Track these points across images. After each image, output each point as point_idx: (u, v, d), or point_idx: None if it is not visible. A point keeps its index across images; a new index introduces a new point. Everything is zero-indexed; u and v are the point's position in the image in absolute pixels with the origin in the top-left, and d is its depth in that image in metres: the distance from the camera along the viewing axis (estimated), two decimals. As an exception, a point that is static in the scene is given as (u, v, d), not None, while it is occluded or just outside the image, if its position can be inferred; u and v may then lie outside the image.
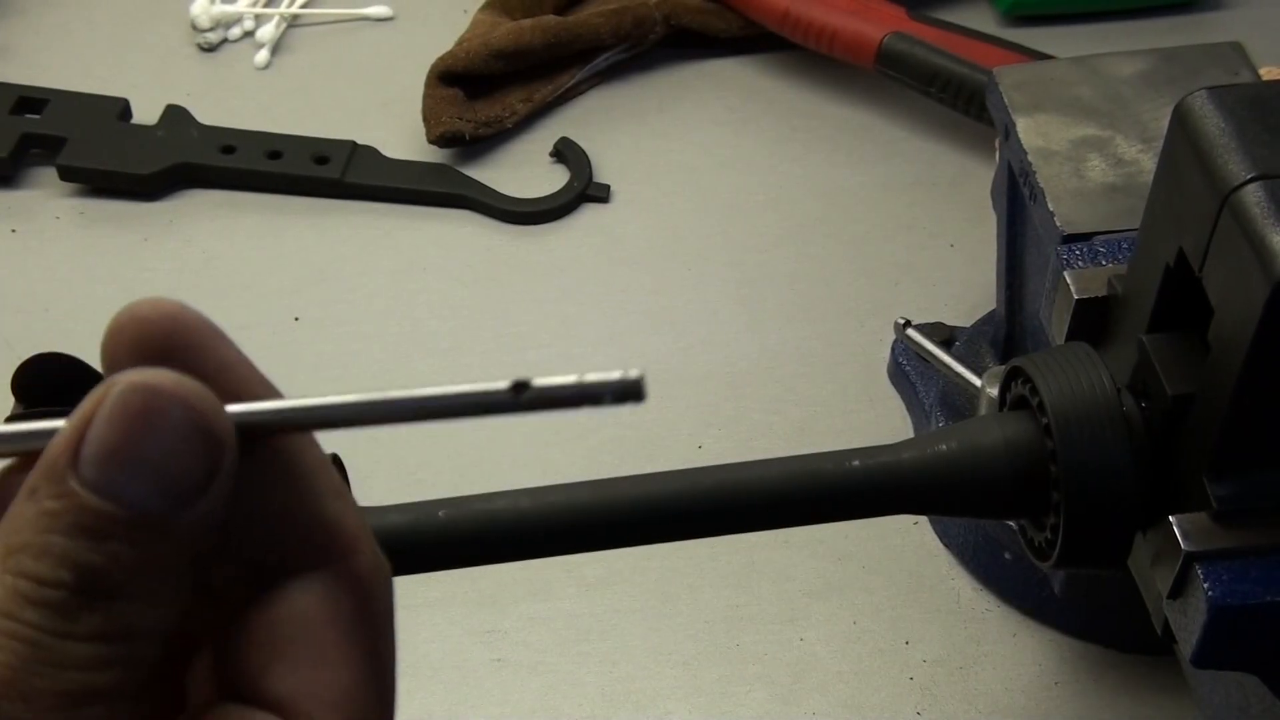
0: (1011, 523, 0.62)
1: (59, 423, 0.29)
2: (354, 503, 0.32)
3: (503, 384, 0.30)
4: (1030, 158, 0.62)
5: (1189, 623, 0.48)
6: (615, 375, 0.30)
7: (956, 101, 0.88)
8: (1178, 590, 0.48)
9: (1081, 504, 0.49)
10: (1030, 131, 0.63)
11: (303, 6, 1.00)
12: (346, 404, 0.31)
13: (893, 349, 0.78)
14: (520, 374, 0.30)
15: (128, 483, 0.28)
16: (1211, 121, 0.46)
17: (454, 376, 0.81)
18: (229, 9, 0.99)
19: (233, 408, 0.30)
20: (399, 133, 0.92)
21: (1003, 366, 0.66)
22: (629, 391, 0.30)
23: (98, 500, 0.27)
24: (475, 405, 0.30)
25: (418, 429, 0.80)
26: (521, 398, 0.30)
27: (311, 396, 0.31)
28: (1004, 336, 0.72)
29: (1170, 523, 0.48)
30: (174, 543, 0.28)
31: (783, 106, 0.94)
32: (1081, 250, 0.57)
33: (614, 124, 0.93)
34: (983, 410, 0.67)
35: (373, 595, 0.31)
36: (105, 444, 0.28)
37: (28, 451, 0.30)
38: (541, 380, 0.30)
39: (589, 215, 0.89)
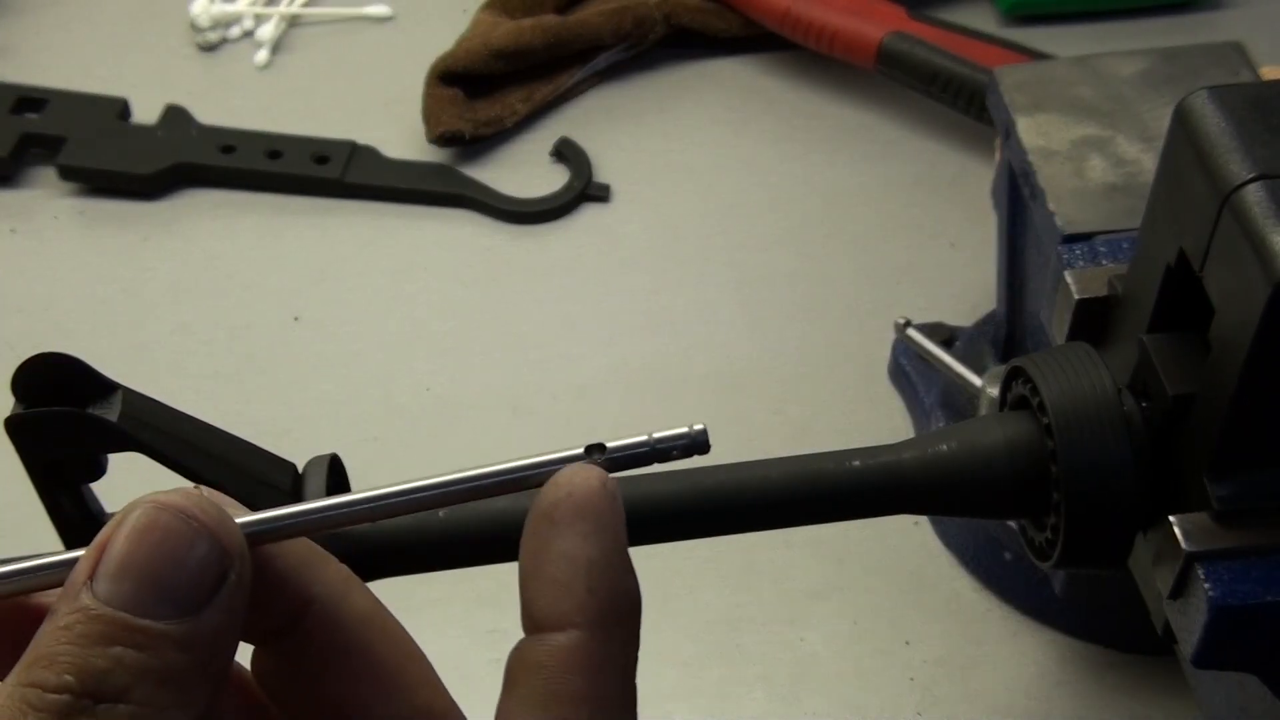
0: (1012, 523, 0.62)
1: (79, 553, 0.30)
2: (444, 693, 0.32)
3: (578, 450, 0.32)
4: (1031, 157, 0.62)
5: (1189, 623, 0.48)
6: (682, 430, 0.33)
7: (956, 101, 0.88)
8: (1178, 590, 0.48)
9: (1082, 504, 0.49)
10: (1031, 131, 0.63)
11: (303, 6, 1.00)
12: (393, 494, 0.32)
13: (893, 349, 0.78)
14: (593, 439, 0.32)
15: (135, 592, 0.29)
16: (1212, 121, 0.46)
17: (455, 376, 0.82)
18: (229, 9, 0.99)
19: (246, 518, 0.31)
20: (399, 133, 0.92)
21: (1003, 366, 0.66)
22: (696, 445, 0.33)
23: (105, 609, 0.29)
24: (549, 472, 0.32)
25: (426, 428, 0.80)
26: (598, 460, 0.32)
27: (374, 488, 0.32)
28: (1004, 336, 0.72)
29: (1171, 523, 0.48)
30: (183, 649, 0.29)
31: (783, 106, 0.94)
32: (1082, 250, 0.57)
33: (614, 124, 0.93)
34: (983, 410, 0.67)
35: None
36: (117, 560, 0.29)
37: (55, 583, 0.31)
38: (616, 443, 0.32)
39: (589, 215, 0.89)
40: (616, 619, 0.31)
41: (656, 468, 0.52)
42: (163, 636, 0.29)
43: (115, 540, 0.29)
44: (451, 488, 0.32)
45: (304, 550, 0.32)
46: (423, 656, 0.34)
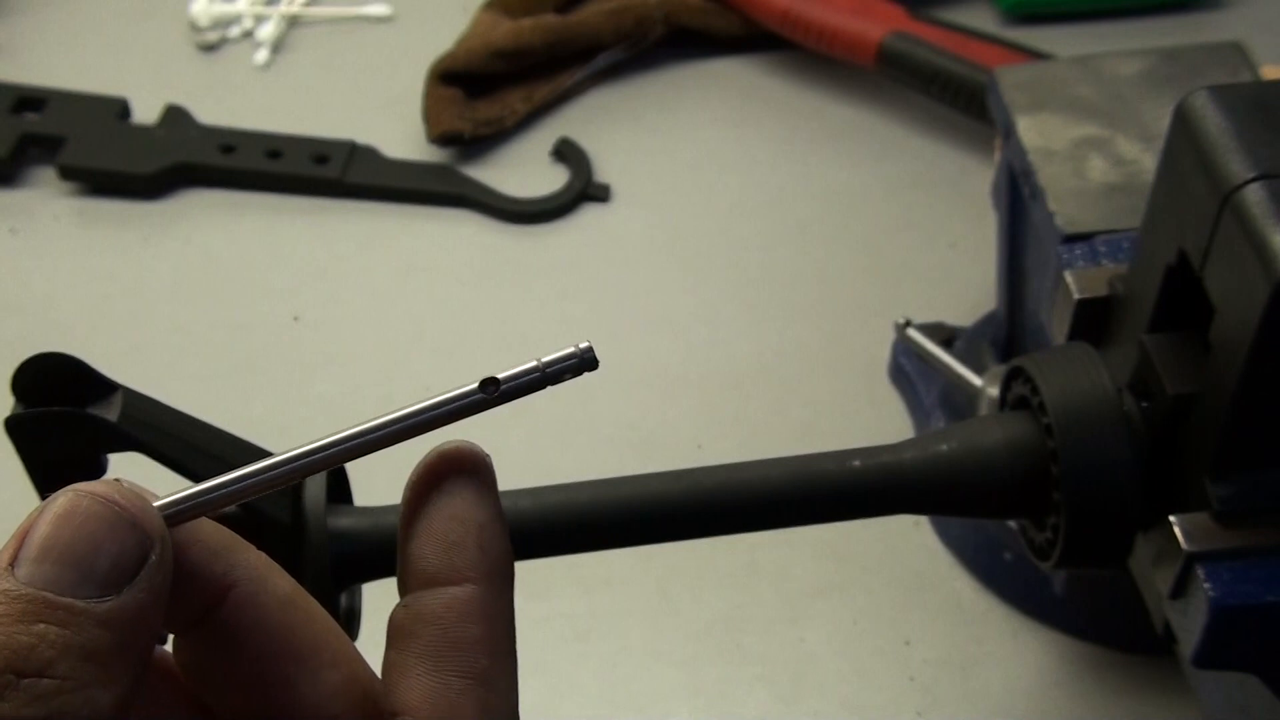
0: (1012, 523, 0.62)
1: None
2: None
3: (473, 386, 0.33)
4: (1031, 157, 0.62)
5: (1190, 623, 0.48)
6: (569, 350, 0.33)
7: (956, 101, 0.88)
8: (1179, 590, 0.48)
9: (1082, 504, 0.49)
10: (1031, 131, 0.63)
11: (303, 6, 1.00)
12: (305, 453, 0.33)
13: (893, 349, 0.78)
14: (483, 374, 0.33)
15: (57, 572, 0.29)
16: (1212, 121, 0.46)
17: (455, 377, 0.81)
18: (229, 9, 0.99)
19: (163, 499, 0.32)
20: (399, 133, 0.92)
21: (1003, 366, 0.66)
22: (585, 363, 0.33)
23: (28, 589, 0.29)
24: (455, 412, 0.33)
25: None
26: (494, 393, 0.33)
27: (281, 451, 0.33)
28: (1004, 336, 0.72)
29: (1171, 523, 0.48)
30: (106, 627, 0.30)
31: (783, 106, 0.94)
32: (1082, 250, 0.57)
33: (614, 124, 0.93)
34: (983, 410, 0.67)
35: None
36: (38, 543, 0.30)
37: None
38: (507, 373, 0.33)
39: (589, 215, 0.89)
40: (502, 575, 0.33)
41: (656, 468, 0.52)
42: (85, 614, 0.29)
43: (37, 526, 0.30)
44: (361, 439, 0.33)
45: (222, 537, 0.33)
46: (343, 634, 0.35)
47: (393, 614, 0.33)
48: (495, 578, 0.33)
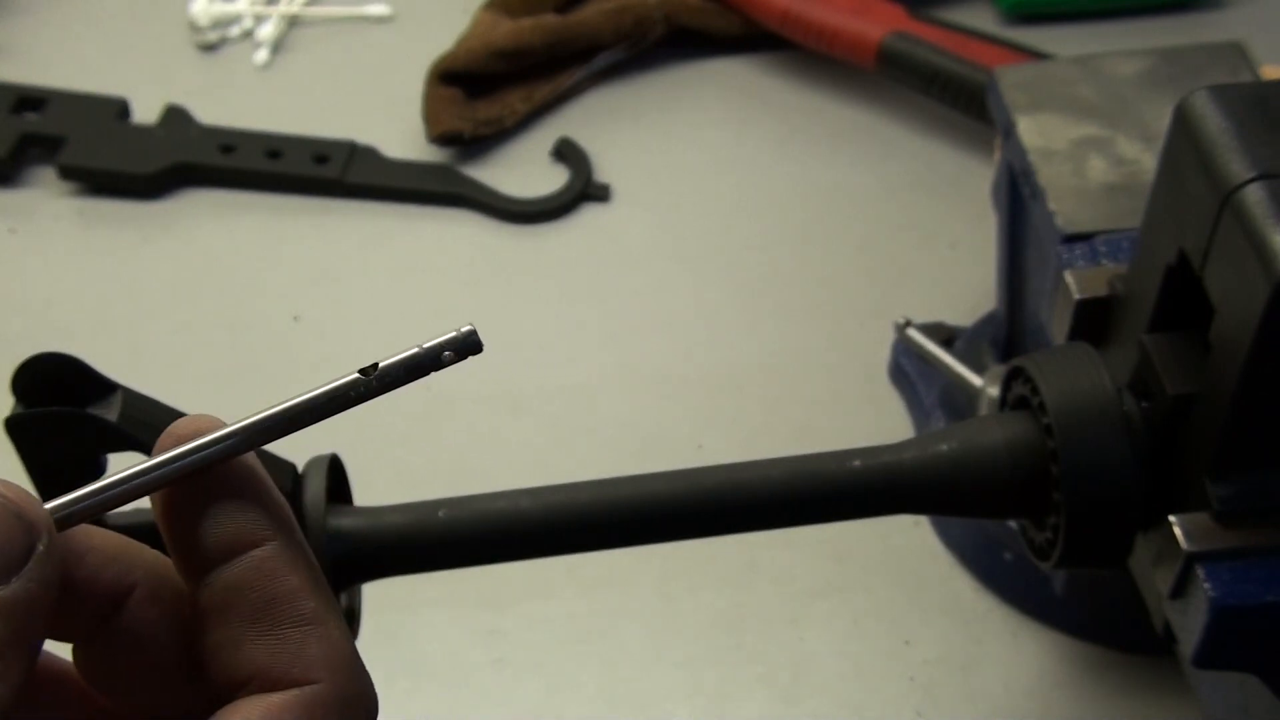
0: (1012, 523, 0.62)
1: None
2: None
3: (353, 375, 0.33)
4: (1031, 157, 0.62)
5: (1190, 623, 0.48)
6: (451, 334, 0.34)
7: (956, 101, 0.88)
8: (1179, 590, 0.48)
9: (1082, 504, 0.49)
10: (1031, 131, 0.63)
11: (303, 6, 1.00)
12: (193, 449, 0.32)
13: (893, 349, 0.78)
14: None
15: None
16: (1212, 121, 0.46)
17: (454, 376, 0.81)
18: (229, 8, 0.99)
19: (55, 502, 0.32)
20: (399, 133, 0.92)
21: (1003, 366, 0.66)
22: (467, 345, 0.34)
23: None
24: (338, 401, 0.33)
25: (426, 428, 0.80)
26: (375, 379, 0.33)
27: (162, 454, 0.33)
28: (1004, 336, 0.72)
29: (1171, 523, 0.48)
30: None
31: (783, 106, 0.94)
32: (1082, 250, 0.57)
33: (614, 124, 0.93)
34: (983, 410, 0.67)
35: None
36: None
37: None
38: (388, 359, 0.33)
39: (589, 215, 0.89)
40: (289, 521, 0.34)
41: (656, 468, 0.52)
42: None
43: None
44: (253, 431, 0.33)
45: (116, 542, 0.34)
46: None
47: (199, 597, 0.33)
48: (285, 524, 0.33)
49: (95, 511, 0.32)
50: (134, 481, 0.32)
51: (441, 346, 0.33)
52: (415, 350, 0.33)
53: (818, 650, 0.69)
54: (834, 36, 0.91)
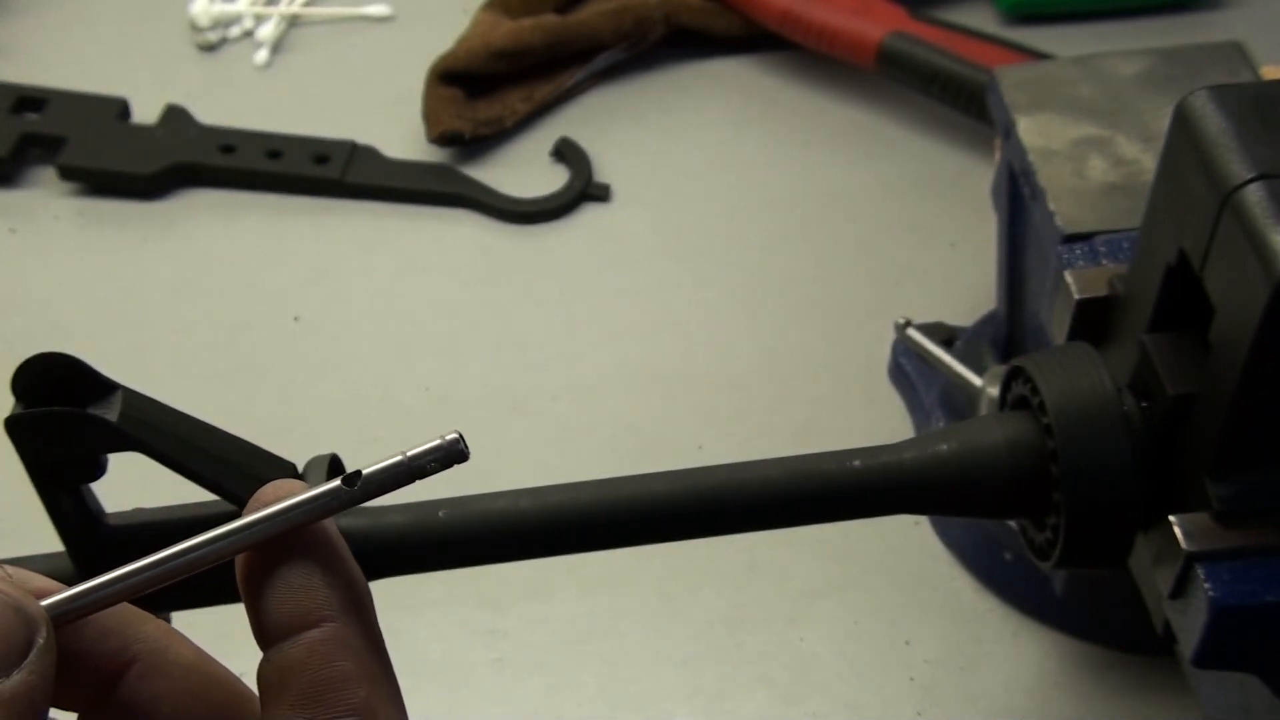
0: (1012, 523, 0.62)
1: None
2: None
3: (335, 483, 0.32)
4: (1031, 157, 0.62)
5: (1190, 623, 0.48)
6: (436, 443, 0.32)
7: (956, 101, 0.88)
8: (1179, 590, 0.48)
9: (1082, 504, 0.49)
10: (1031, 131, 0.63)
11: (303, 6, 1.00)
12: (182, 550, 0.32)
13: (893, 349, 0.78)
14: (350, 468, 0.33)
15: None
16: (1212, 121, 0.46)
17: (455, 376, 0.82)
18: (229, 8, 0.99)
19: (51, 599, 0.32)
20: (399, 133, 0.92)
21: (1003, 366, 0.66)
22: (452, 455, 0.32)
23: None
24: (319, 510, 0.33)
25: (426, 428, 0.80)
26: (358, 488, 0.32)
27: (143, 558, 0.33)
28: (1004, 336, 0.72)
29: (1171, 523, 0.48)
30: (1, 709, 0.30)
31: (783, 106, 0.94)
32: (1082, 250, 0.57)
33: (614, 124, 0.93)
34: (983, 410, 0.67)
35: None
36: None
37: None
38: (371, 468, 0.32)
39: (589, 215, 0.89)
40: (357, 603, 0.33)
41: (656, 468, 0.52)
42: None
43: None
44: (239, 536, 0.32)
45: (116, 614, 0.34)
46: (253, 695, 0.35)
47: (260, 671, 0.33)
48: (350, 607, 0.33)
49: (89, 612, 0.32)
50: (126, 581, 0.32)
51: (427, 455, 0.32)
52: (399, 458, 0.32)
53: (818, 650, 0.69)
54: (834, 36, 0.91)
